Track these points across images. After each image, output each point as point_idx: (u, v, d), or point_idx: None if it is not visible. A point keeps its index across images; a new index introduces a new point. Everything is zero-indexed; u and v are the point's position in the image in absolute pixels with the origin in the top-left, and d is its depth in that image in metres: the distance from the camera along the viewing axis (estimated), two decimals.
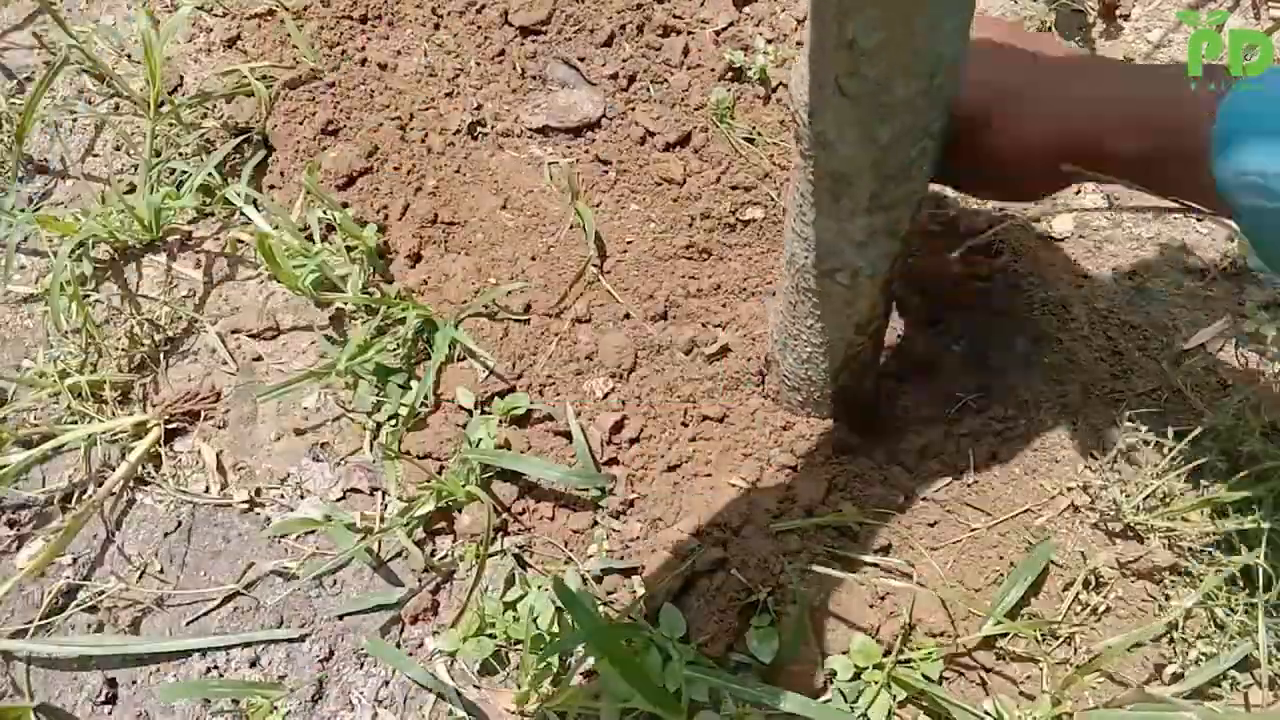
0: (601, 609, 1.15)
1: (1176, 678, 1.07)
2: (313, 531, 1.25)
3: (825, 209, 0.90)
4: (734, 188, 1.44)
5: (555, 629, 1.12)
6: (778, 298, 1.14)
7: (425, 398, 1.29)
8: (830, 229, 0.91)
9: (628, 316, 1.35)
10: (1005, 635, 1.09)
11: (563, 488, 1.23)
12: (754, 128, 1.49)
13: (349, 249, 1.38)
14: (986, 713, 1.06)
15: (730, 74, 1.53)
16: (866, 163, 0.82)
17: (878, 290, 0.99)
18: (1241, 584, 1.09)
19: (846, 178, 0.84)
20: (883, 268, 0.94)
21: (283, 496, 1.29)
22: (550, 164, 1.45)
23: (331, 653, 1.18)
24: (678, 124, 1.47)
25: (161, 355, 1.40)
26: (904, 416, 1.29)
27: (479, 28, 1.58)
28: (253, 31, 1.60)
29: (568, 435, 1.26)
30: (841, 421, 1.24)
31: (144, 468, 1.31)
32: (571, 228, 1.40)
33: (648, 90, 1.51)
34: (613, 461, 1.26)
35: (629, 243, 1.40)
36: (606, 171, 1.45)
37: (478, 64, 1.54)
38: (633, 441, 1.27)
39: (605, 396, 1.30)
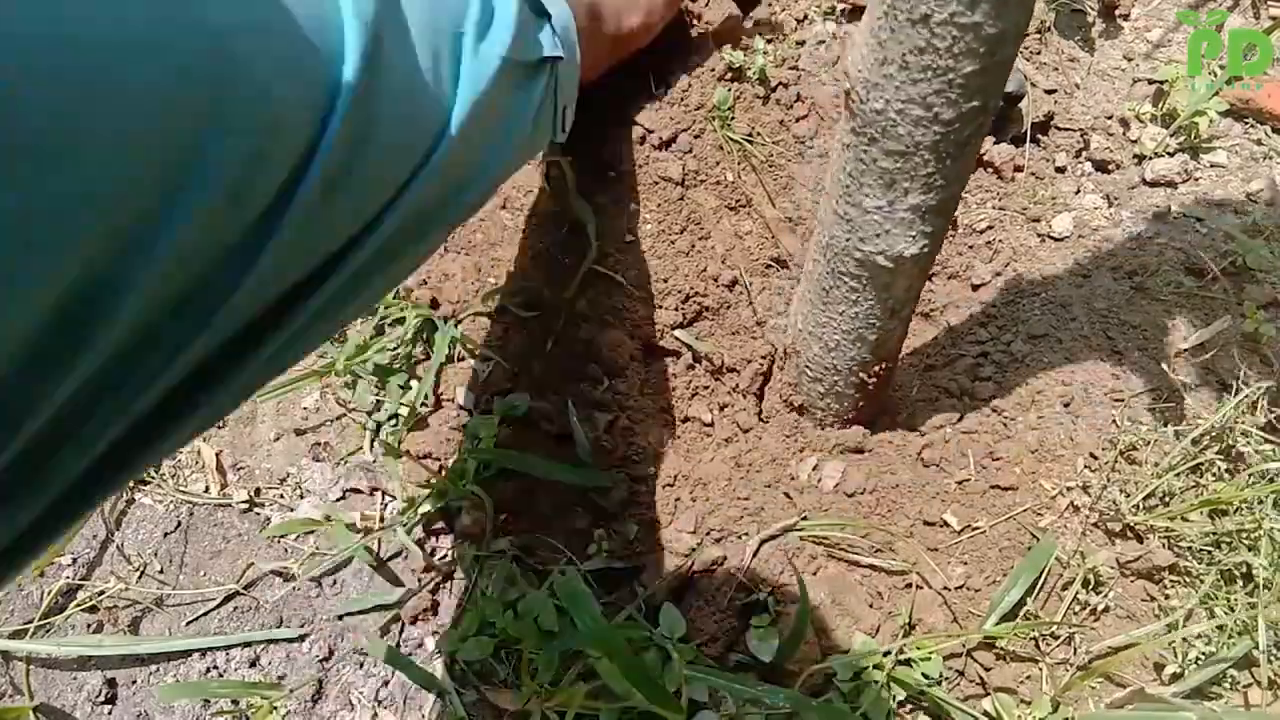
0: (601, 609, 1.15)
1: (1176, 678, 1.07)
2: (312, 531, 1.25)
3: (875, 190, 0.89)
4: (733, 187, 1.44)
5: (555, 628, 1.12)
6: (803, 285, 1.13)
7: (425, 398, 1.29)
8: (880, 210, 0.91)
9: (627, 314, 1.35)
10: (1005, 636, 1.09)
11: (562, 488, 1.22)
12: (754, 128, 1.49)
13: None
14: (986, 713, 1.06)
15: (730, 74, 1.53)
16: (926, 141, 0.82)
17: (918, 270, 0.99)
18: (1241, 584, 1.09)
19: (903, 156, 0.84)
20: (927, 247, 0.94)
21: (282, 496, 1.29)
22: (550, 163, 1.45)
23: (331, 653, 1.18)
24: (674, 123, 1.47)
25: None
26: (906, 413, 1.29)
27: None
28: None
29: (568, 435, 1.26)
30: (858, 413, 1.24)
31: None
32: (569, 228, 1.40)
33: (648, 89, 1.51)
34: (613, 460, 1.26)
35: (628, 242, 1.40)
36: (606, 171, 1.45)
37: None
38: (632, 441, 1.27)
39: (606, 394, 1.30)
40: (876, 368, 1.16)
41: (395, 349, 1.32)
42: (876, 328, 1.07)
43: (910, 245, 0.93)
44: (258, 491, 1.30)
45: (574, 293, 1.36)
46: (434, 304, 1.36)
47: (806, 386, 1.23)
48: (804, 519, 1.20)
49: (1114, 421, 1.23)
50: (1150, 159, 1.46)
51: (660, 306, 1.35)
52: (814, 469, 1.25)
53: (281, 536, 1.25)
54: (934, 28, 0.71)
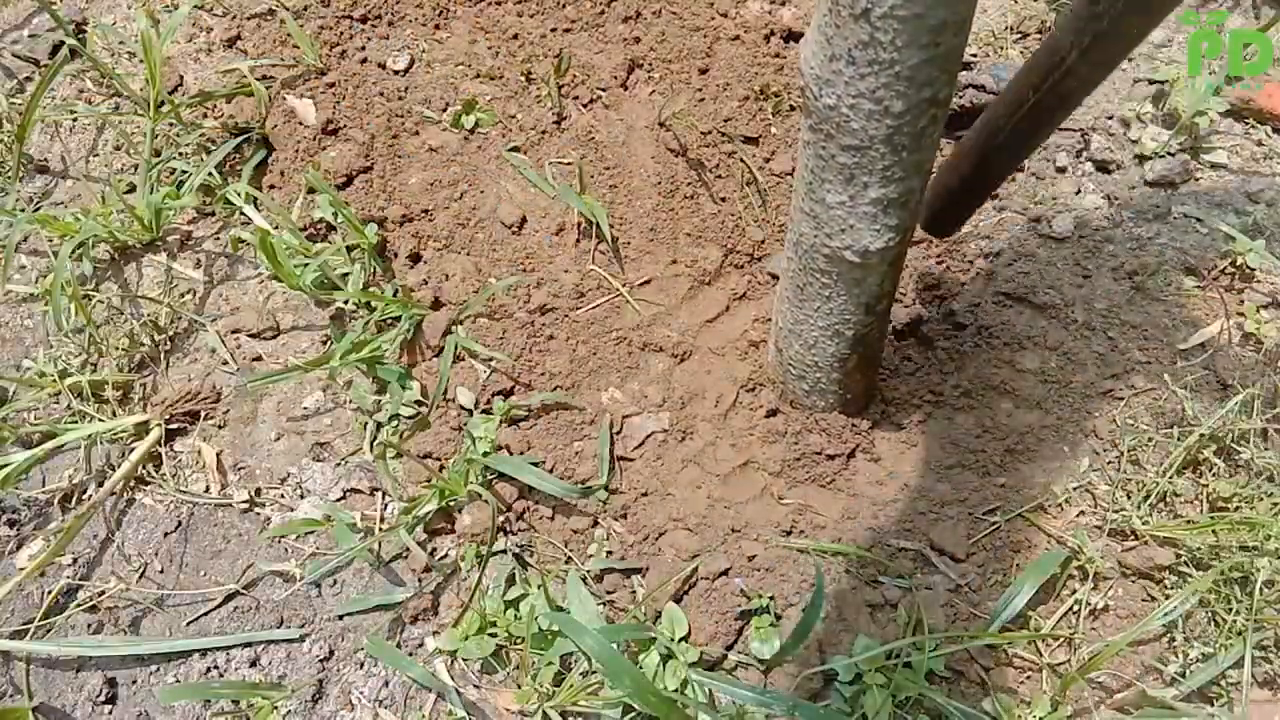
0: (601, 608, 1.15)
1: (1176, 679, 1.07)
2: (312, 532, 1.24)
3: (836, 185, 0.89)
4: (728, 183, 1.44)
5: (555, 628, 1.12)
6: (782, 282, 1.13)
7: (425, 397, 1.29)
8: (842, 204, 0.91)
9: (627, 311, 1.35)
10: (1011, 641, 1.09)
11: (560, 493, 1.22)
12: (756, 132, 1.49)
13: (349, 248, 1.38)
14: (986, 712, 1.06)
15: None
16: (880, 135, 0.82)
17: (887, 265, 0.98)
18: (1240, 583, 1.09)
19: (859, 151, 0.84)
20: (893, 241, 0.94)
21: (283, 496, 1.29)
22: (550, 164, 1.45)
23: (331, 653, 1.18)
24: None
25: (162, 355, 1.40)
26: (906, 412, 1.29)
27: (481, 29, 1.58)
28: (253, 31, 1.60)
29: (568, 432, 1.26)
30: (845, 406, 1.24)
31: (144, 468, 1.31)
32: (565, 229, 1.40)
33: (648, 85, 1.51)
34: (617, 460, 1.26)
35: (628, 242, 1.40)
36: (606, 169, 1.45)
37: (480, 63, 1.54)
38: (638, 443, 1.27)
39: (609, 394, 1.30)
40: (859, 366, 1.16)
41: (394, 348, 1.32)
42: (853, 323, 1.07)
43: (875, 239, 0.93)
44: (258, 491, 1.30)
45: (575, 290, 1.36)
46: (435, 304, 1.35)
47: (792, 384, 1.23)
48: (804, 513, 1.20)
49: (1115, 422, 1.23)
50: (1151, 159, 1.46)
51: None
52: (819, 467, 1.25)
53: (281, 537, 1.25)
54: (875, 21, 0.72)
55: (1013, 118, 1.01)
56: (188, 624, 1.21)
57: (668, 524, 1.21)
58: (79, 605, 1.23)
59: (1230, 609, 1.07)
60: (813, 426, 1.25)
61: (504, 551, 1.21)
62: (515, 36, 1.56)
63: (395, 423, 1.30)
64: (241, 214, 1.46)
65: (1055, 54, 0.93)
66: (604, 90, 1.51)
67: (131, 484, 1.31)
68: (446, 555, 1.23)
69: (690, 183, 1.43)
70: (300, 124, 1.48)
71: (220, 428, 1.35)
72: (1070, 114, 1.02)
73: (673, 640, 1.10)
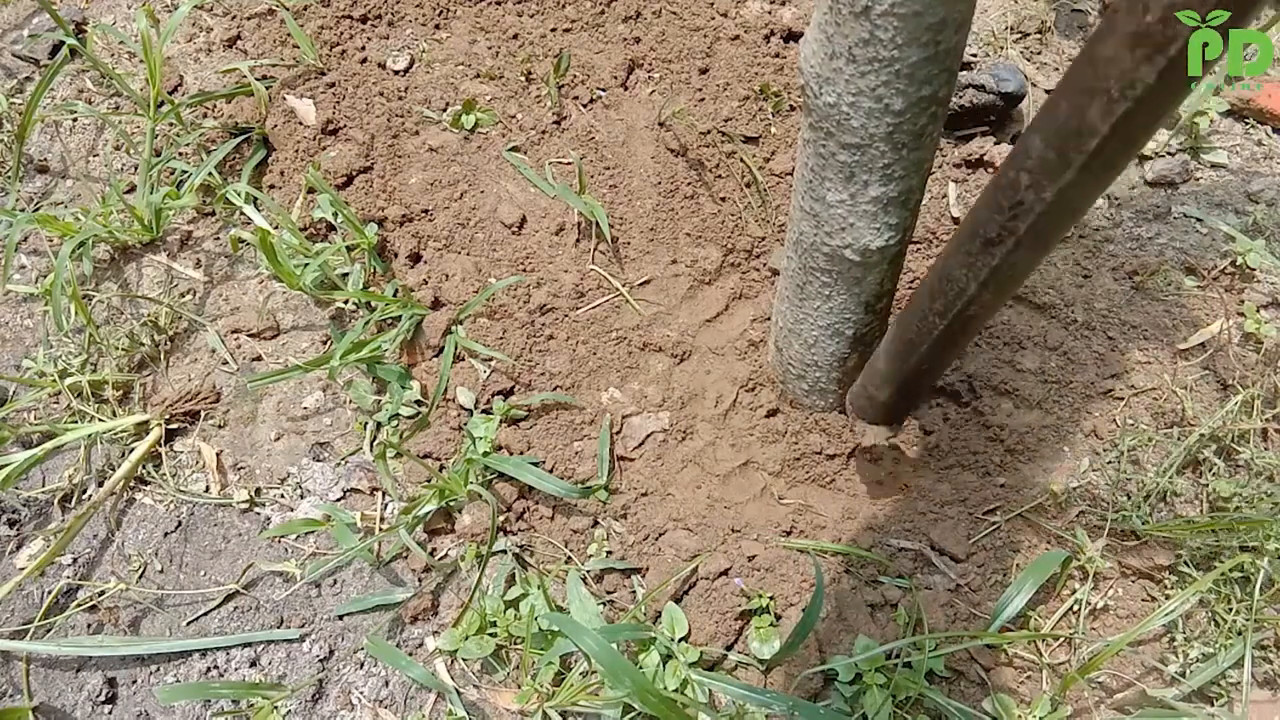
0: (601, 608, 1.15)
1: (1176, 679, 1.07)
2: (312, 532, 1.24)
3: (836, 183, 0.89)
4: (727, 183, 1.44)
5: (555, 628, 1.12)
6: (781, 281, 1.13)
7: (425, 397, 1.29)
8: (842, 203, 0.91)
9: (627, 311, 1.35)
10: (1010, 641, 1.09)
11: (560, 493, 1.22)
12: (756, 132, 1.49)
13: (349, 248, 1.38)
14: (986, 712, 1.06)
15: None
16: (880, 133, 0.82)
17: (887, 264, 0.99)
18: (1240, 583, 1.09)
19: (859, 149, 0.84)
20: (893, 240, 0.94)
21: (283, 496, 1.29)
22: (550, 164, 1.45)
23: (331, 652, 1.18)
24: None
25: (162, 355, 1.40)
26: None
27: (481, 29, 1.58)
28: (253, 31, 1.60)
29: (568, 432, 1.26)
30: (845, 407, 1.24)
31: (144, 468, 1.31)
32: (565, 229, 1.40)
33: (648, 86, 1.51)
34: (617, 460, 1.26)
35: (628, 242, 1.40)
36: (606, 169, 1.45)
37: (480, 63, 1.54)
38: (638, 443, 1.27)
39: (609, 394, 1.30)
40: (858, 365, 1.16)
41: (393, 348, 1.32)
42: (853, 322, 1.07)
43: (876, 238, 0.94)
44: (258, 491, 1.30)
45: (574, 290, 1.36)
46: (435, 304, 1.35)
47: (791, 384, 1.23)
48: (803, 513, 1.20)
49: (1115, 422, 1.23)
50: (1151, 159, 1.46)
51: None
52: (820, 467, 1.25)
53: (281, 537, 1.25)
54: (875, 19, 0.72)
55: (923, 339, 0.93)
56: (188, 624, 1.21)
57: (668, 524, 1.21)
58: (79, 605, 1.23)
59: (1230, 609, 1.08)
60: (813, 426, 1.25)
61: (504, 551, 1.21)
62: (515, 36, 1.56)
63: (395, 423, 1.30)
64: (241, 214, 1.46)
65: (952, 285, 0.82)
66: (604, 90, 1.51)
67: (131, 484, 1.31)
68: (446, 555, 1.23)
69: (690, 183, 1.43)
70: (300, 124, 1.48)
71: (220, 428, 1.35)
72: (986, 324, 0.91)
73: (673, 640, 1.10)
